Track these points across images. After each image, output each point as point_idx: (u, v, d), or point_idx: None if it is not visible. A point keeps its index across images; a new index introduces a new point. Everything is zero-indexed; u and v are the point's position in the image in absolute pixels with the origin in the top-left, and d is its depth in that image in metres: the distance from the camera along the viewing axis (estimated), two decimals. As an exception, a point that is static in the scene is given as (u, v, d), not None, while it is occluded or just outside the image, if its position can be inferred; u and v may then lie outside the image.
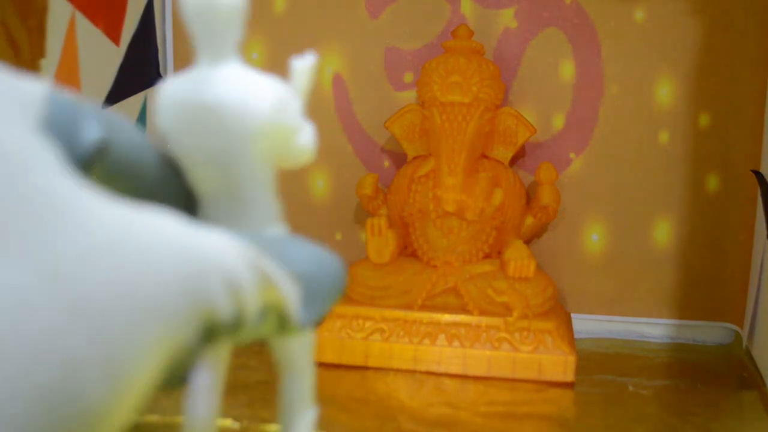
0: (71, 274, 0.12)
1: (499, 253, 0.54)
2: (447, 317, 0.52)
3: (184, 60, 0.61)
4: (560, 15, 0.57)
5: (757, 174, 0.54)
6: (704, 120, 0.56)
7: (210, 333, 0.14)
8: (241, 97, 0.23)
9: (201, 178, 0.23)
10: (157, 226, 0.14)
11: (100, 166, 0.16)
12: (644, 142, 0.57)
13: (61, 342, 0.11)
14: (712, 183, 0.57)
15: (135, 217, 0.13)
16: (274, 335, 0.17)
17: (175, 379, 0.15)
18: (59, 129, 0.15)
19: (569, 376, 0.50)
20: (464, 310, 0.52)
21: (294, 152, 0.25)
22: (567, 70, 0.57)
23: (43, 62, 0.47)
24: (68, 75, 0.49)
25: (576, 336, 0.56)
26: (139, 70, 0.58)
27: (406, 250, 0.56)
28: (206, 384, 0.26)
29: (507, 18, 0.57)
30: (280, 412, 0.27)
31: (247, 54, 0.60)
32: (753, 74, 0.55)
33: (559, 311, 0.53)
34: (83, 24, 0.51)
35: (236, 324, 0.15)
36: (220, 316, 0.14)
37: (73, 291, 0.12)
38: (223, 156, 0.23)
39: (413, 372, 0.51)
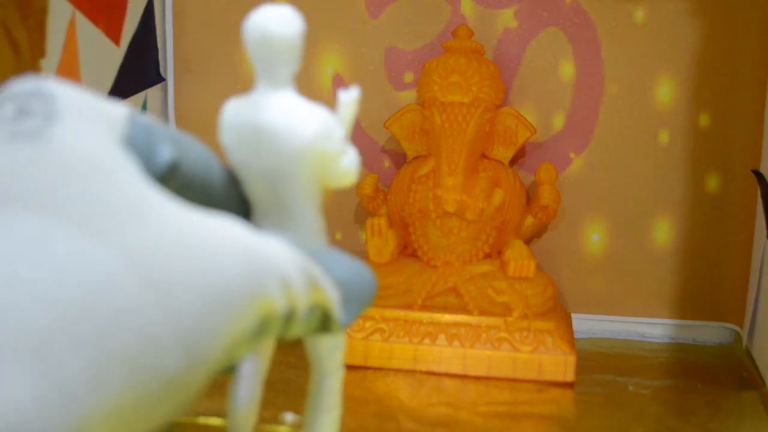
0: (153, 260, 0.14)
1: (499, 253, 0.54)
2: (447, 317, 0.52)
3: (184, 60, 0.61)
4: (560, 15, 0.57)
5: (757, 174, 0.54)
6: (704, 120, 0.56)
7: (265, 325, 0.16)
8: (289, 122, 0.25)
9: (254, 192, 0.26)
10: (224, 229, 0.16)
11: (173, 181, 0.18)
12: (644, 142, 0.57)
13: (142, 317, 0.13)
14: (712, 183, 0.57)
15: (205, 220, 0.15)
16: (316, 332, 0.19)
17: (226, 367, 0.16)
18: (138, 147, 0.17)
19: (569, 376, 0.50)
20: (464, 310, 0.52)
21: (337, 175, 0.27)
22: (567, 70, 0.57)
23: (43, 62, 0.47)
24: (68, 75, 0.49)
25: (576, 336, 0.56)
26: (139, 70, 0.58)
27: (406, 250, 0.56)
28: (251, 373, 0.29)
29: (507, 18, 0.57)
30: (307, 409, 0.29)
31: (246, 54, 0.60)
32: (753, 74, 0.55)
33: (559, 311, 0.53)
34: (83, 24, 0.51)
35: (288, 319, 0.17)
36: (275, 310, 0.16)
37: (155, 275, 0.13)
38: (272, 174, 0.26)
39: (413, 372, 0.51)
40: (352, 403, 0.46)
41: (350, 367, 0.51)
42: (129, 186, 0.14)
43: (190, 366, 0.14)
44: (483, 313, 0.51)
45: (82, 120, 0.15)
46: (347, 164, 0.27)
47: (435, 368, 0.51)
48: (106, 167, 0.14)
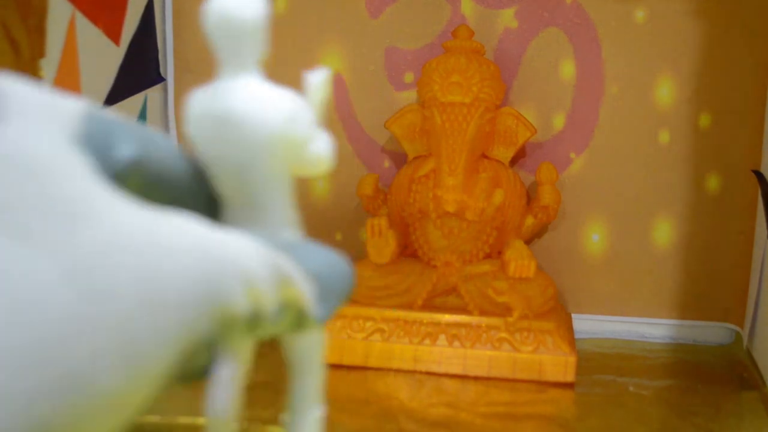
0: (92, 268, 0.13)
1: (500, 253, 0.54)
2: (447, 317, 0.52)
3: (184, 60, 0.61)
4: (561, 15, 0.57)
5: (758, 174, 0.54)
6: (705, 120, 0.56)
7: (228, 328, 0.15)
8: (254, 108, 0.25)
9: (224, 184, 0.25)
10: (180, 229, 0.15)
11: (135, 178, 0.17)
12: (645, 142, 0.57)
13: (79, 330, 0.12)
14: (713, 183, 0.57)
15: (159, 220, 0.15)
16: (291, 331, 0.18)
17: (196, 372, 0.16)
18: (95, 145, 0.16)
19: (569, 377, 0.50)
20: (465, 310, 0.52)
21: (308, 161, 0.26)
22: (567, 70, 0.57)
23: (43, 62, 0.47)
24: (68, 75, 0.49)
25: (576, 336, 0.56)
26: (139, 70, 0.58)
27: (407, 250, 0.56)
28: (227, 378, 0.27)
29: (507, 18, 0.57)
30: (289, 409, 0.29)
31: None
32: (753, 74, 0.55)
33: (559, 311, 0.53)
34: (83, 24, 0.51)
35: (255, 319, 0.16)
36: (237, 311, 0.15)
37: (93, 284, 0.13)
38: (241, 164, 0.25)
39: (413, 372, 0.51)
40: (352, 403, 0.46)
41: (350, 368, 0.52)
42: (74, 188, 0.14)
43: (133, 378, 0.13)
44: (483, 313, 0.51)
45: (30, 119, 0.14)
46: (319, 150, 0.26)
47: (435, 368, 0.51)
48: (49, 169, 0.14)
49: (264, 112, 0.25)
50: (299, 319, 0.18)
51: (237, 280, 0.15)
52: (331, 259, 0.19)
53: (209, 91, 0.26)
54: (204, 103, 0.26)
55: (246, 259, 0.16)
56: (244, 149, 0.25)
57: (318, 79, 0.27)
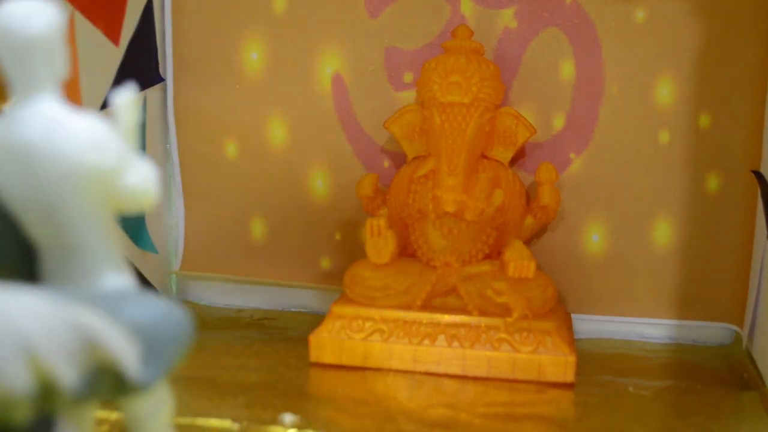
0: None
1: (499, 253, 0.54)
2: (447, 318, 0.52)
3: (184, 60, 0.61)
4: (560, 15, 0.57)
5: (758, 174, 0.54)
6: (705, 120, 0.56)
7: (8, 407, 0.13)
8: (50, 136, 0.21)
9: (32, 225, 0.22)
10: None
11: None
12: (644, 142, 0.57)
13: None
14: (713, 183, 0.57)
15: None
16: (115, 397, 0.16)
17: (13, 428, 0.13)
18: None
19: (569, 377, 0.50)
20: (464, 310, 0.52)
21: (126, 194, 0.23)
22: (567, 70, 0.57)
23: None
24: (68, 75, 0.49)
25: (576, 336, 0.56)
26: (139, 70, 0.58)
27: (406, 251, 0.56)
28: None
29: (507, 18, 0.57)
30: None
31: (246, 54, 0.60)
32: (754, 74, 0.55)
33: (559, 312, 0.53)
34: (82, 24, 0.51)
35: (47, 394, 0.14)
36: (14, 388, 0.13)
37: None
38: (43, 201, 0.22)
39: (413, 373, 0.51)
40: (351, 403, 0.46)
41: (349, 368, 0.52)
42: None
43: None
44: (483, 313, 0.51)
45: None
46: (136, 180, 0.23)
47: (434, 369, 0.51)
48: None
49: (61, 141, 0.21)
50: (120, 384, 0.16)
51: (10, 350, 0.13)
52: (159, 311, 0.17)
53: (4, 120, 0.22)
54: None
55: (27, 325, 0.14)
56: (44, 186, 0.21)
57: (125, 99, 0.24)
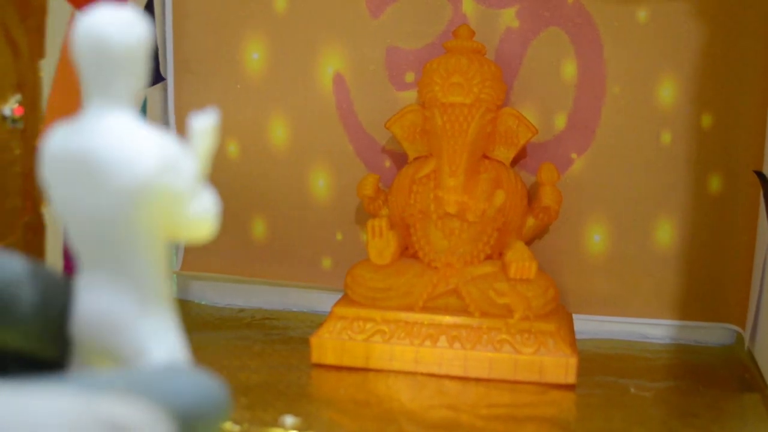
0: None
1: (501, 254, 0.54)
2: (448, 319, 0.51)
3: (184, 60, 0.61)
4: (562, 15, 0.57)
5: (760, 175, 0.54)
6: (707, 120, 0.56)
7: None
8: (121, 151, 0.21)
9: (80, 240, 0.21)
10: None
11: None
12: (646, 142, 0.57)
13: None
14: (715, 184, 0.57)
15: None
16: None
17: None
18: None
19: (571, 378, 0.50)
20: (465, 311, 0.52)
21: (186, 223, 0.22)
22: (569, 70, 0.57)
23: (43, 63, 0.47)
24: (67, 75, 0.49)
25: (577, 337, 0.56)
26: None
27: (407, 252, 0.56)
28: None
29: (508, 18, 0.57)
30: None
31: (247, 54, 0.60)
32: (756, 75, 0.55)
33: (560, 312, 0.53)
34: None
35: None
36: None
37: None
38: (102, 217, 0.21)
39: (414, 374, 0.51)
40: (352, 405, 0.46)
41: (351, 369, 0.52)
42: None
43: None
44: (484, 314, 0.51)
45: None
46: (200, 209, 0.22)
47: (436, 370, 0.51)
48: None
49: (132, 157, 0.20)
50: None
51: None
52: (197, 388, 0.17)
53: (70, 127, 0.22)
54: (62, 141, 0.21)
55: None
56: (104, 201, 0.21)
57: (205, 124, 0.23)
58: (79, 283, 0.22)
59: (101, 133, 0.21)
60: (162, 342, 0.22)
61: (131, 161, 0.20)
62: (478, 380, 0.50)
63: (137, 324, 0.21)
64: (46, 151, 0.22)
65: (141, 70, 0.22)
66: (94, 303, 0.21)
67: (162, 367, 0.17)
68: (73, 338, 0.22)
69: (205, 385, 0.17)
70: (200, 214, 0.22)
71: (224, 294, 0.65)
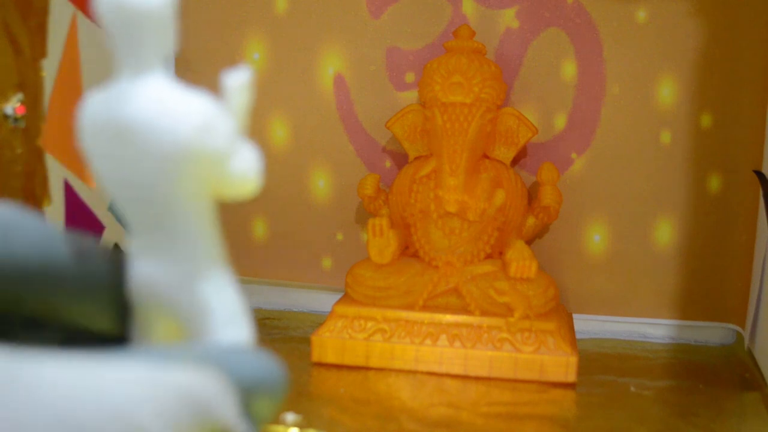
0: None
1: (501, 253, 0.54)
2: (448, 318, 0.52)
3: (184, 60, 0.61)
4: (562, 15, 0.57)
5: (759, 174, 0.54)
6: (706, 120, 0.56)
7: None
8: (158, 116, 0.20)
9: (127, 206, 0.21)
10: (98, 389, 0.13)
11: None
12: (646, 142, 0.57)
13: None
14: (714, 183, 0.57)
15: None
16: None
17: None
18: None
19: (571, 377, 0.50)
20: (466, 310, 0.52)
21: (230, 181, 0.22)
22: (569, 70, 0.57)
23: (45, 62, 0.47)
24: (69, 75, 0.49)
25: (577, 336, 0.56)
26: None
27: (408, 251, 0.56)
28: None
29: (508, 18, 0.57)
30: None
31: (247, 54, 0.60)
32: (756, 74, 0.55)
33: (560, 312, 0.53)
34: (85, 24, 0.51)
35: None
36: None
37: None
38: (145, 182, 0.21)
39: (415, 372, 0.51)
40: (353, 403, 0.46)
41: (351, 368, 0.52)
42: None
43: None
44: (484, 313, 0.51)
45: None
46: (242, 166, 0.22)
47: (436, 369, 0.51)
48: None
49: (170, 120, 0.20)
50: None
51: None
52: (259, 366, 0.17)
53: (104, 95, 0.21)
54: (98, 110, 0.21)
55: (140, 414, 0.14)
56: (146, 166, 0.20)
57: (239, 80, 0.23)
58: (131, 249, 0.22)
59: (138, 98, 0.21)
60: (223, 299, 0.22)
61: (171, 125, 0.20)
62: (478, 379, 0.50)
63: (196, 283, 0.22)
64: (83, 122, 0.21)
65: (169, 31, 0.22)
66: (151, 266, 0.21)
67: (228, 344, 0.17)
68: (133, 307, 0.22)
69: (269, 365, 0.18)
70: (243, 171, 0.22)
71: (225, 294, 0.65)
